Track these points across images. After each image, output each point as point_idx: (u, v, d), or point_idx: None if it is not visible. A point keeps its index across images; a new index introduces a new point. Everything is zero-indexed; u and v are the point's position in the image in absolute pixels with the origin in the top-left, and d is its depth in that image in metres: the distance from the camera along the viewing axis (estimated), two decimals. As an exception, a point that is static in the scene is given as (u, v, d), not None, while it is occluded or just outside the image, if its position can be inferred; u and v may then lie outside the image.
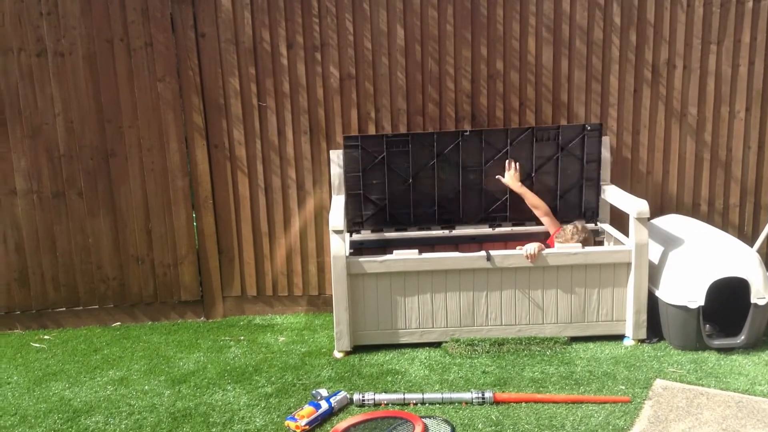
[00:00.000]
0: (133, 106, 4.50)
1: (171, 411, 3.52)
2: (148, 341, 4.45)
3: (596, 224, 4.54)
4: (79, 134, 4.51)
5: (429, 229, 4.54)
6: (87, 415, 3.53)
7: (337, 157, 4.48)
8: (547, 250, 4.01)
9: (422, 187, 4.48)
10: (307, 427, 3.26)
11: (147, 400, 3.65)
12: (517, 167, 4.37)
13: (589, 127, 4.42)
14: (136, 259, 4.69)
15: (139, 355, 4.23)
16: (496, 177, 4.41)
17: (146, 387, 3.80)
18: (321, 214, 4.66)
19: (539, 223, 4.40)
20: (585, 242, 4.16)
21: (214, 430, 3.33)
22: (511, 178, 4.36)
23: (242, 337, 4.45)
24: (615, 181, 4.58)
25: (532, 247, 3.98)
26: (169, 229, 4.67)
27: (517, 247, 4.07)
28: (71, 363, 4.17)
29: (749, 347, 3.89)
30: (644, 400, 3.42)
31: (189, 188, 4.65)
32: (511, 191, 4.41)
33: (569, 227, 4.22)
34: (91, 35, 4.41)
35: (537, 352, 3.97)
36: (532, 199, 4.33)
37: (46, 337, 4.60)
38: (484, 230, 4.57)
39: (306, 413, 3.31)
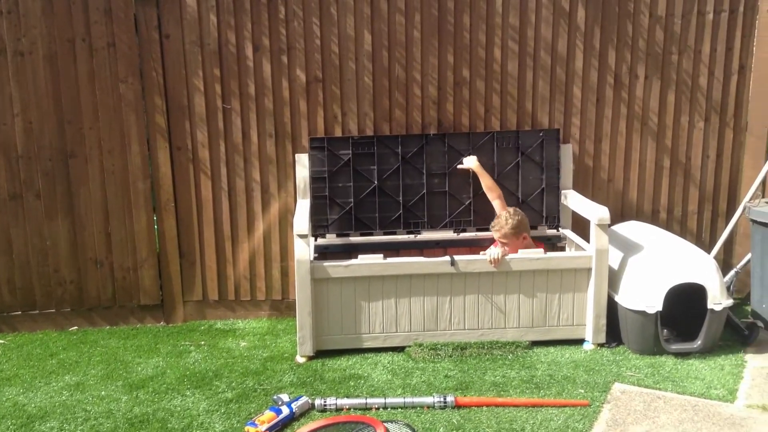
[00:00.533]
0: (94, 107, 4.43)
1: (128, 417, 3.46)
2: (105, 346, 4.37)
3: (558, 230, 4.59)
4: (38, 135, 4.43)
5: (394, 233, 4.55)
6: (41, 420, 3.45)
7: (302, 159, 4.46)
8: (510, 255, 4.04)
9: (388, 191, 4.49)
10: (267, 432, 3.23)
11: (104, 406, 3.58)
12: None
13: (545, 133, 4.49)
14: (94, 262, 4.61)
15: (96, 360, 4.16)
16: (457, 166, 4.44)
17: (103, 392, 3.73)
18: (285, 218, 4.63)
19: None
20: (519, 225, 4.17)
21: (172, 435, 3.28)
22: (470, 159, 4.42)
23: (203, 342, 4.39)
24: (577, 188, 4.63)
25: (495, 252, 4.00)
26: (129, 232, 4.59)
27: (481, 252, 4.09)
28: (26, 368, 4.08)
29: (705, 352, 3.95)
30: (603, 403, 3.45)
31: (150, 191, 4.58)
32: (475, 196, 4.44)
33: (503, 213, 4.23)
34: (53, 35, 4.34)
35: (499, 356, 3.99)
36: (488, 181, 4.41)
37: (0, 341, 4.50)
38: (449, 235, 4.58)
39: (266, 418, 3.27)
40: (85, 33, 4.35)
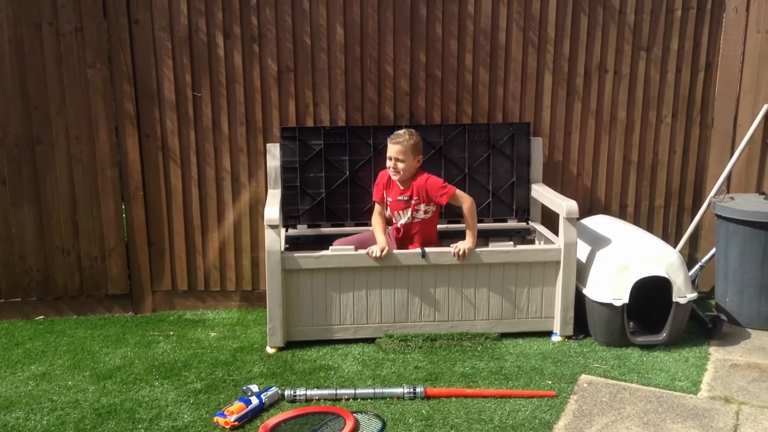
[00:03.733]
0: (62, 93, 4.35)
1: (95, 407, 3.42)
2: (72, 335, 4.32)
3: (527, 223, 4.64)
4: (3, 120, 4.33)
5: (366, 224, 4.54)
6: (7, 410, 3.40)
7: (273, 149, 4.44)
8: (480, 249, 4.07)
9: (360, 182, 4.49)
10: (236, 423, 3.21)
11: (70, 396, 3.54)
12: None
13: (517, 127, 4.53)
14: (61, 250, 4.54)
15: (63, 350, 4.10)
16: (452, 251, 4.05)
17: (70, 382, 3.69)
18: (256, 208, 4.61)
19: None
20: (419, 144, 4.09)
21: (140, 426, 3.25)
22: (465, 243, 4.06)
23: (171, 333, 4.36)
24: (547, 181, 4.68)
25: (462, 245, 4.01)
26: (97, 220, 4.53)
27: (451, 245, 4.10)
28: (-10, 358, 4.01)
29: (670, 344, 4.03)
30: (570, 394, 3.51)
31: (119, 178, 4.52)
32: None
33: (404, 130, 4.10)
34: (19, 18, 4.24)
35: (468, 348, 4.02)
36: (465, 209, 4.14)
37: (-37, 330, 4.42)
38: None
39: (236, 409, 3.26)
40: (52, 17, 4.26)
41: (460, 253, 3.99)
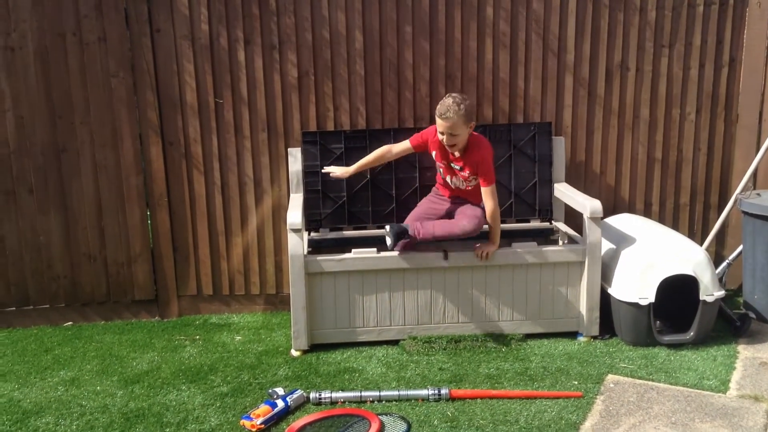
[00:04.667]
0: (86, 102, 4.42)
1: (123, 411, 3.46)
2: (100, 341, 4.37)
3: (551, 223, 4.61)
4: (29, 130, 4.41)
5: (388, 227, 4.55)
6: (37, 416, 3.45)
7: (295, 153, 4.46)
8: (503, 249, 4.05)
9: (381, 185, 4.50)
10: (262, 426, 3.24)
11: (99, 401, 3.58)
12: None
13: (538, 126, 4.50)
14: (88, 257, 4.60)
15: (91, 355, 4.16)
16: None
17: (98, 387, 3.74)
18: (279, 212, 4.64)
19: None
20: (471, 110, 3.87)
21: (167, 429, 3.28)
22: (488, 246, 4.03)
23: (198, 337, 4.40)
24: (570, 181, 4.65)
25: (486, 248, 4.00)
26: (123, 226, 4.59)
27: (475, 246, 4.09)
28: (21, 363, 4.07)
29: (698, 343, 3.99)
30: (596, 395, 3.48)
31: (143, 186, 4.58)
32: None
33: (449, 98, 3.82)
34: (43, 29, 4.32)
35: (492, 349, 4.01)
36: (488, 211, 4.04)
37: (-6, 337, 4.50)
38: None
39: (262, 412, 3.29)
40: (76, 27, 4.33)
41: (484, 254, 3.98)
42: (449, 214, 4.16)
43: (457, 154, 4.00)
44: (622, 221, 4.52)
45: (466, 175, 4.03)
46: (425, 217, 4.17)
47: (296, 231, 3.91)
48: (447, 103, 3.80)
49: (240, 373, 3.85)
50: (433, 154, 4.11)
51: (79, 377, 3.87)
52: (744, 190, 4.55)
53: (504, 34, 4.54)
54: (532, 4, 4.51)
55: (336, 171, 4.23)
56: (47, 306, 4.66)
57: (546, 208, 4.58)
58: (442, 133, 3.87)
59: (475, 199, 4.13)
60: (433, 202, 4.28)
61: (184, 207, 4.61)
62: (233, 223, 4.66)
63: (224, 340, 4.33)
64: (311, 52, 4.47)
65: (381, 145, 4.29)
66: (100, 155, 4.49)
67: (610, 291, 4.07)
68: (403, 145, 4.15)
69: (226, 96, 4.50)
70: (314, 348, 4.07)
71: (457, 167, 4.04)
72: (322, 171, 4.33)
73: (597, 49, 4.62)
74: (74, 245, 4.58)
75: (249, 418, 3.27)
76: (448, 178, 4.13)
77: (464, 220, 4.00)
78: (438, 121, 3.85)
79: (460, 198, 4.19)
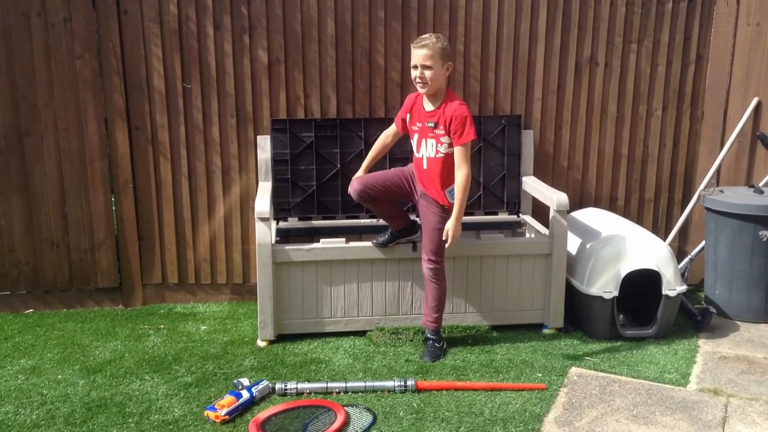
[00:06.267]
0: (50, 84, 4.31)
1: (85, 401, 3.41)
2: (62, 329, 4.30)
3: (518, 216, 4.64)
4: (-10, 111, 4.30)
5: (357, 217, 4.54)
6: (-5, 405, 3.39)
7: (264, 142, 4.42)
8: (470, 240, 4.06)
9: (351, 175, 4.45)
10: (227, 417, 3.21)
11: (60, 390, 3.52)
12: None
13: (508, 119, 4.52)
14: (50, 243, 4.51)
15: (52, 344, 4.08)
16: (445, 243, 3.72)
17: (59, 376, 3.67)
18: (247, 201, 4.59)
19: (468, 213, 4.41)
20: (447, 49, 3.59)
21: (130, 420, 3.24)
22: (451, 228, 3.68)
23: (162, 326, 4.34)
24: (538, 174, 4.68)
25: (450, 229, 3.66)
26: (86, 212, 4.50)
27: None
28: (-21, 351, 3.99)
29: (660, 337, 4.06)
30: (560, 387, 3.52)
31: (108, 171, 4.49)
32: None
33: (428, 34, 3.61)
34: (6, 8, 4.20)
35: (459, 341, 4.03)
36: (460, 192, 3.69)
37: (-49, 323, 4.39)
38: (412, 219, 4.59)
39: (226, 403, 3.26)
40: (41, 7, 4.22)
41: (447, 235, 3.67)
42: (402, 189, 3.90)
43: (431, 106, 3.65)
44: (588, 215, 4.57)
45: (442, 132, 3.61)
46: (379, 181, 3.90)
47: (264, 220, 3.87)
48: (425, 35, 3.61)
49: (205, 363, 3.81)
50: (408, 117, 3.81)
51: (40, 366, 3.80)
52: (707, 186, 4.63)
53: (476, 20, 4.53)
54: (504, -4, 4.52)
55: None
56: (8, 292, 4.56)
57: (514, 201, 4.61)
58: (416, 67, 3.57)
59: (436, 188, 3.73)
60: (399, 172, 3.96)
61: (149, 193, 4.54)
62: (200, 210, 4.60)
63: (189, 329, 4.29)
64: (282, 36, 4.42)
65: (351, 135, 4.30)
66: (63, 139, 4.39)
67: (575, 284, 4.12)
68: (391, 129, 3.98)
69: (195, 81, 4.43)
70: (281, 338, 4.05)
71: (431, 124, 3.64)
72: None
73: (567, 42, 4.64)
74: (36, 230, 4.48)
75: (213, 408, 3.24)
76: (422, 147, 3.72)
77: (429, 245, 3.76)
78: (413, 52, 3.57)
79: (423, 183, 3.80)
